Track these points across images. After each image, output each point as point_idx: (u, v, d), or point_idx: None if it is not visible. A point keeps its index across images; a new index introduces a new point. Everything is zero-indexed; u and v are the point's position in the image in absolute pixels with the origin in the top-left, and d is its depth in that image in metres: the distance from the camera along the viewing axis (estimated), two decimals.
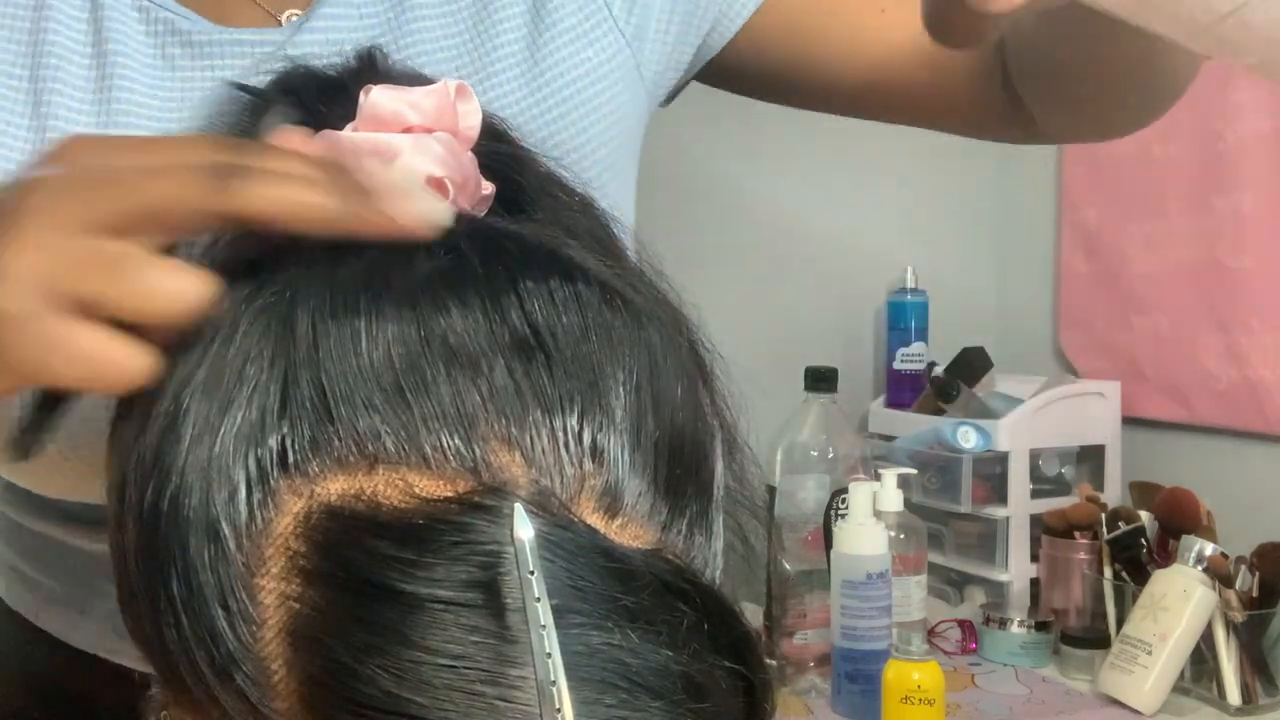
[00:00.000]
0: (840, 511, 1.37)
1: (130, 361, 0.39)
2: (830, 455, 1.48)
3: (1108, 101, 0.73)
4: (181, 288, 0.39)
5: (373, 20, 0.65)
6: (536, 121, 0.66)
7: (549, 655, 0.34)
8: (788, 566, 1.40)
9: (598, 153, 0.69)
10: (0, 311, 0.38)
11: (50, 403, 0.43)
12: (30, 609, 0.79)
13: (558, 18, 0.68)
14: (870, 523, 1.29)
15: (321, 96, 0.49)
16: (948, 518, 1.61)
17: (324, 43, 0.63)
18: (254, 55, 0.62)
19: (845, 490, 1.36)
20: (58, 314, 0.38)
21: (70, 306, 0.39)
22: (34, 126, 0.58)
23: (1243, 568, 1.30)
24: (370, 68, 0.51)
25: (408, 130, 0.44)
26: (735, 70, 0.78)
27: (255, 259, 0.42)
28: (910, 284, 1.80)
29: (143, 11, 0.62)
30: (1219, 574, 1.27)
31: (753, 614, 1.39)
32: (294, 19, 0.64)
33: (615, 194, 0.69)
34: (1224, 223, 1.53)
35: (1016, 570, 1.55)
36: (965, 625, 1.50)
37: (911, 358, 1.78)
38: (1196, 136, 1.55)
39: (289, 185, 0.40)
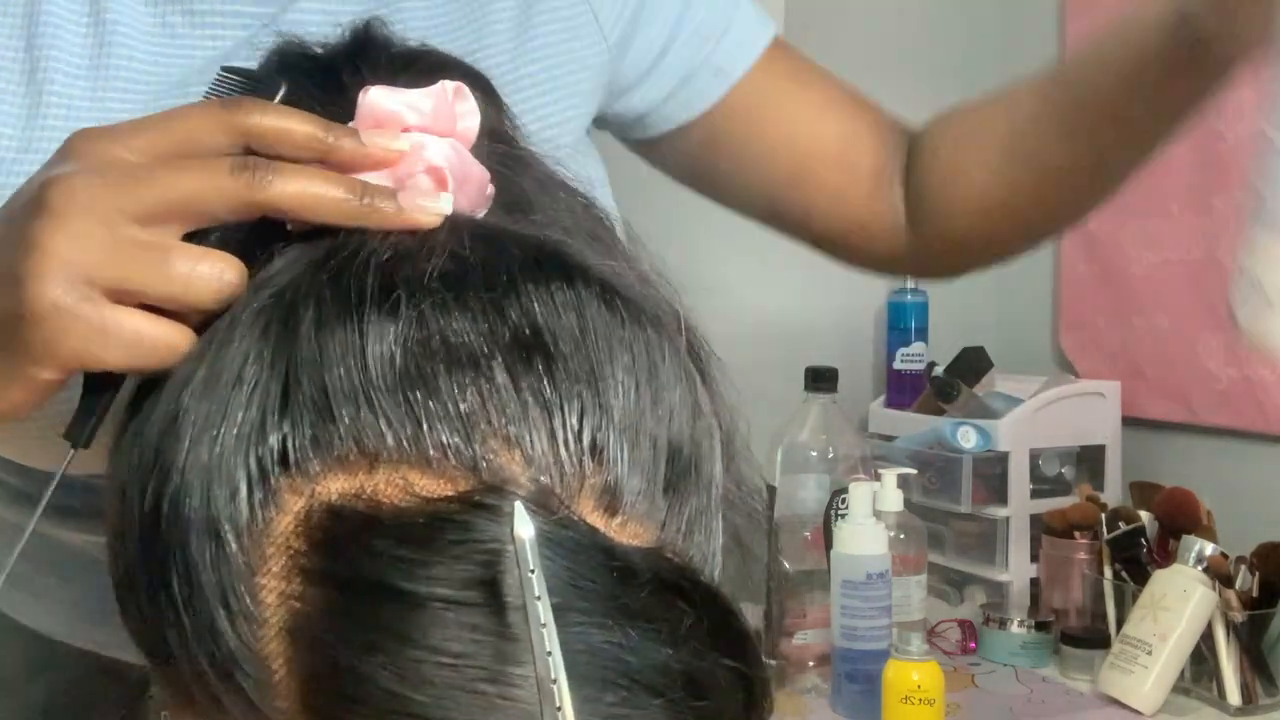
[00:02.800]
0: (840, 511, 1.37)
1: (176, 340, 0.41)
2: (830, 455, 1.48)
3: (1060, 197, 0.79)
4: (214, 273, 0.42)
5: None
6: (515, 97, 0.68)
7: (549, 653, 0.34)
8: (788, 566, 1.40)
9: (567, 135, 0.71)
10: (48, 303, 0.40)
11: (98, 388, 0.44)
12: (18, 606, 0.79)
13: (548, 6, 0.70)
14: (870, 523, 1.29)
15: (315, 80, 0.49)
16: (948, 518, 1.61)
17: (320, 12, 0.63)
18: (254, 26, 0.62)
19: (845, 490, 1.36)
20: (102, 302, 0.41)
21: (111, 295, 0.41)
22: (30, 93, 0.59)
23: (1243, 568, 1.30)
24: (366, 43, 0.52)
25: (406, 130, 0.44)
26: (676, 146, 0.81)
27: (246, 249, 0.43)
28: (910, 284, 1.80)
29: None
30: (1219, 574, 1.27)
31: (752, 614, 1.39)
32: None
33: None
34: (1224, 223, 1.53)
35: (1016, 570, 1.55)
36: (965, 625, 1.50)
37: (911, 358, 1.78)
38: (1196, 136, 1.55)
39: (309, 179, 0.42)
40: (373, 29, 0.53)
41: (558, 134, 0.68)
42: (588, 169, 0.67)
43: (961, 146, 0.80)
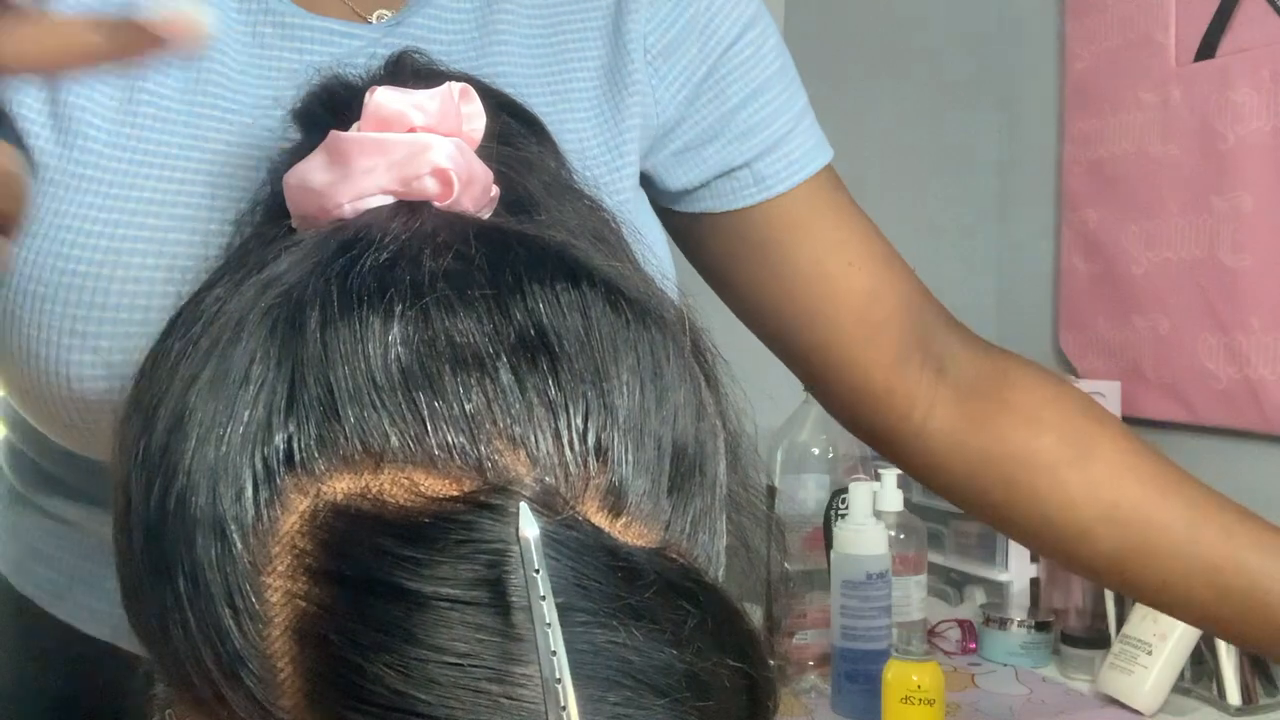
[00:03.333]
0: (840, 511, 1.38)
1: None
2: (830, 455, 1.49)
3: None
4: None
5: (459, 36, 0.65)
6: (609, 156, 0.67)
7: (554, 653, 0.34)
8: (788, 566, 1.40)
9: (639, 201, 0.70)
10: None
11: None
12: (45, 594, 0.79)
13: (626, 82, 0.69)
14: (870, 523, 1.30)
15: (339, 109, 0.49)
16: (948, 518, 1.61)
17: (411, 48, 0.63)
18: (344, 47, 0.62)
19: (845, 490, 1.36)
20: None
21: None
22: (124, 85, 0.58)
23: None
24: (397, 67, 0.52)
25: (411, 130, 0.44)
26: (692, 230, 0.77)
27: (252, 251, 0.43)
28: None
29: None
30: None
31: (751, 614, 1.39)
32: (384, 18, 0.64)
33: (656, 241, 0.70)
34: (1224, 223, 1.53)
35: (1016, 570, 1.55)
36: (965, 625, 1.50)
37: None
38: (1196, 136, 1.55)
39: (45, 28, 0.37)
40: (405, 57, 0.53)
41: (621, 200, 0.67)
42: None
43: (1073, 479, 0.78)
